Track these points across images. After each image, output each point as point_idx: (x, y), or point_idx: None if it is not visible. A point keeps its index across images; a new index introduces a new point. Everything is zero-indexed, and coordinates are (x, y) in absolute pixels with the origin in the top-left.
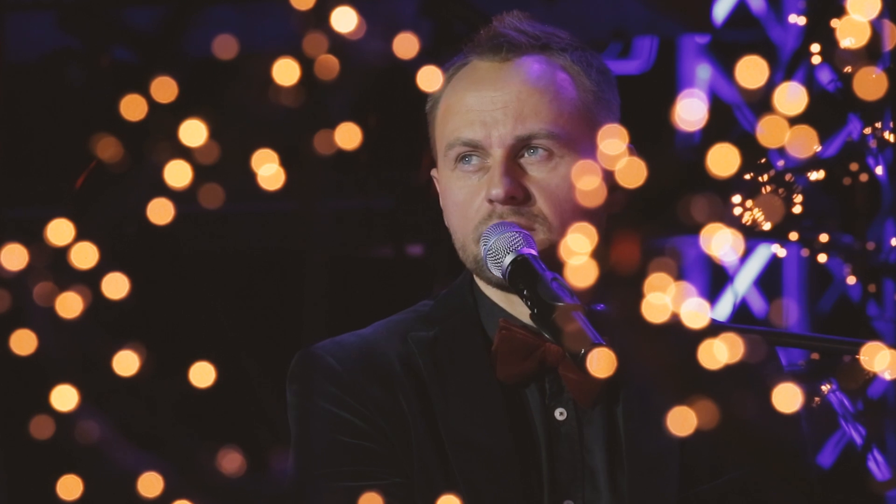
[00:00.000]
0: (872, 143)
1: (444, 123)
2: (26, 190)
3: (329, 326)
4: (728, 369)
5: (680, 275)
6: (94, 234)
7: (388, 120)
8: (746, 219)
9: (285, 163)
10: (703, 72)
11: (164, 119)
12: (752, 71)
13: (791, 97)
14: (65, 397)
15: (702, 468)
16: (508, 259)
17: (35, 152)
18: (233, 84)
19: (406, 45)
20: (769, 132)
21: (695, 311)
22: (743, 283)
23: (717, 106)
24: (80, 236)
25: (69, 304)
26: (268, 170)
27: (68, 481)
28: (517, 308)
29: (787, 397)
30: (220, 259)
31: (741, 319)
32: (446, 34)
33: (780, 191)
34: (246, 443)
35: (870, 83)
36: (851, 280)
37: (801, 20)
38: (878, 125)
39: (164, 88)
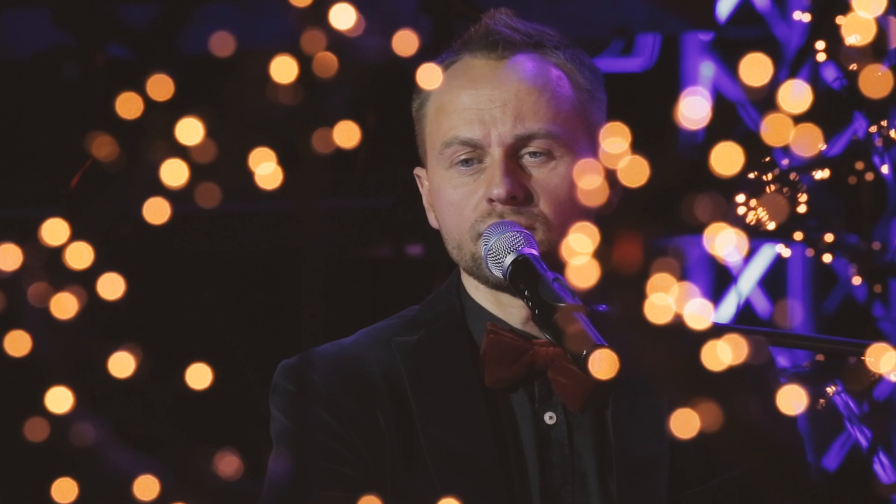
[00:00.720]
0: (878, 142)
1: (438, 122)
2: (20, 189)
3: (327, 327)
4: (730, 371)
5: (683, 275)
6: (90, 234)
7: (388, 118)
8: (750, 218)
9: (283, 162)
10: (707, 69)
11: (160, 117)
12: (756, 68)
13: (795, 95)
14: (59, 399)
15: (693, 470)
16: (509, 259)
17: (29, 151)
18: (230, 82)
19: (405, 42)
20: (773, 130)
21: (698, 313)
22: (747, 284)
23: (721, 104)
24: (75, 236)
25: (64, 305)
26: (265, 169)
27: (63, 484)
28: (506, 311)
29: (790, 399)
30: (217, 259)
31: (745, 320)
32: (446, 31)
33: (785, 190)
34: (243, 445)
35: (875, 81)
36: (857, 280)
37: (806, 17)
38: (884, 123)
39: (160, 86)
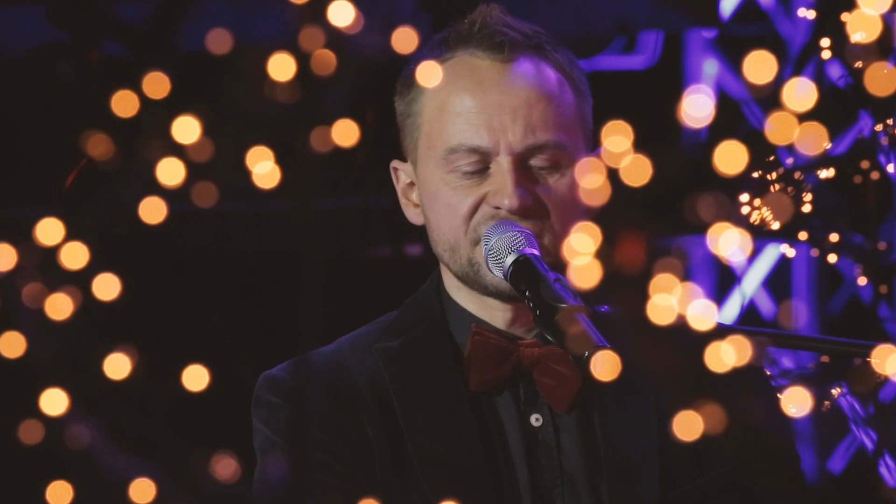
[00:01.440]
0: (884, 140)
1: (441, 123)
2: (15, 188)
3: (326, 328)
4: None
5: (686, 276)
6: (85, 234)
7: (387, 116)
8: (755, 218)
9: (281, 160)
10: (710, 67)
11: (157, 115)
12: (760, 66)
13: (800, 93)
14: (54, 401)
15: (683, 468)
16: (510, 259)
17: (23, 150)
18: (227, 80)
19: (405, 39)
20: (778, 129)
21: (701, 314)
22: (751, 284)
23: (725, 102)
24: (70, 236)
25: (59, 306)
26: (263, 168)
27: (58, 487)
28: (491, 313)
29: (793, 400)
30: (214, 259)
31: (749, 321)
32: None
33: (789, 189)
34: (241, 448)
35: (881, 79)
36: (862, 281)
37: (811, 14)
38: (890, 122)
39: (157, 84)
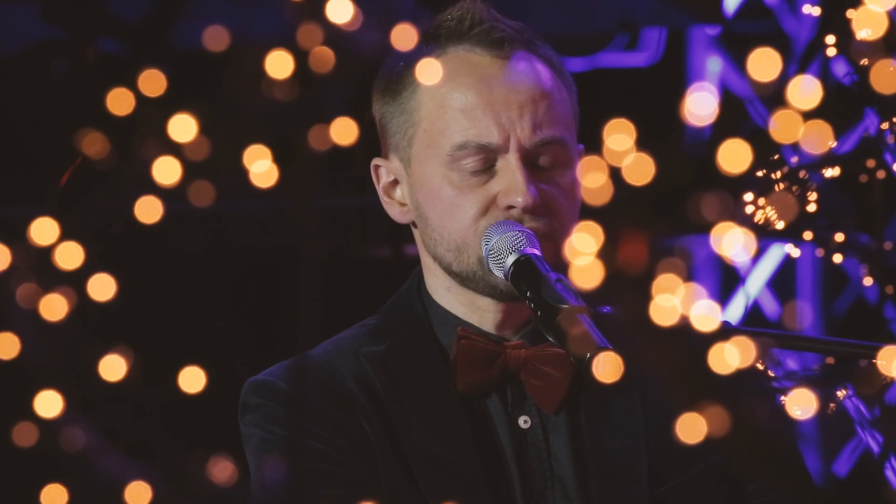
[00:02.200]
0: (890, 139)
1: (444, 121)
2: (9, 187)
3: (324, 328)
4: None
5: (689, 276)
6: (80, 234)
7: None
8: (759, 217)
9: (278, 159)
10: (714, 64)
11: (153, 114)
12: (764, 64)
13: (805, 91)
14: (49, 403)
15: (671, 463)
16: (511, 259)
17: (18, 148)
18: (224, 77)
19: (404, 36)
20: (782, 127)
21: (705, 314)
22: (755, 285)
23: (729, 100)
24: (65, 236)
25: (54, 307)
26: (260, 166)
27: (53, 490)
28: (479, 315)
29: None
30: (210, 259)
31: (753, 322)
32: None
33: (794, 188)
34: (237, 451)
35: (887, 76)
36: (868, 281)
37: (816, 11)
38: None
39: (153, 82)
